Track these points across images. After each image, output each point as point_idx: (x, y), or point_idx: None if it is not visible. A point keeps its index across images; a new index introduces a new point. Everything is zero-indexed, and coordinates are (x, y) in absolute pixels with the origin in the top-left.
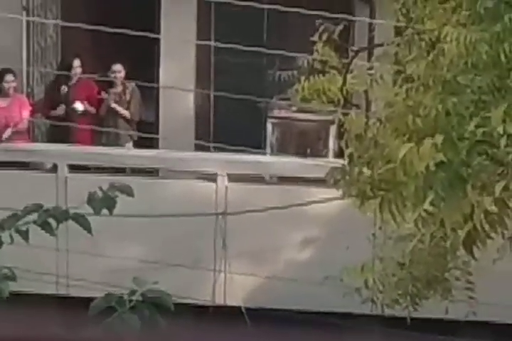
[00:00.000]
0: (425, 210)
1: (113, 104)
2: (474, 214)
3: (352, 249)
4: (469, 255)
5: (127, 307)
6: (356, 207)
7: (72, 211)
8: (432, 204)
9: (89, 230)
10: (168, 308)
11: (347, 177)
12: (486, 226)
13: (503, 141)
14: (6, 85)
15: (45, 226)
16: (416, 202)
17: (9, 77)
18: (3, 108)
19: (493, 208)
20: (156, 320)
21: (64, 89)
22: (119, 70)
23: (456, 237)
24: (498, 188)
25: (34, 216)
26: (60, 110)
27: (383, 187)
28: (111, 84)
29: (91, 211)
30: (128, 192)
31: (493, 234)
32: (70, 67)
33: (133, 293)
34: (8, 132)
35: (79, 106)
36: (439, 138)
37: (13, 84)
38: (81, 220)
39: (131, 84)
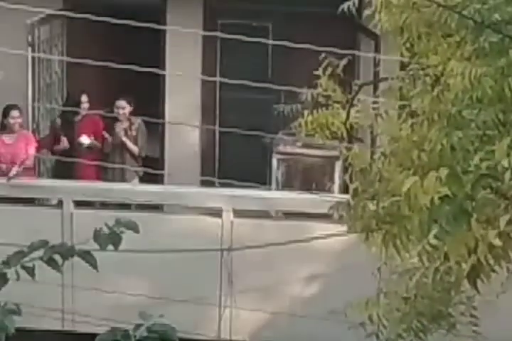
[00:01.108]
0: (429, 244)
1: (123, 138)
2: (478, 247)
3: (357, 284)
4: (473, 288)
5: None
6: (361, 241)
7: (77, 247)
8: (436, 237)
9: (95, 267)
10: None
11: (351, 212)
12: (491, 260)
13: (507, 175)
14: (11, 121)
15: (50, 262)
16: (420, 236)
17: (15, 113)
18: (9, 144)
19: (498, 242)
20: None
21: (64, 142)
22: (122, 106)
23: (460, 271)
24: (503, 222)
25: (40, 252)
26: (64, 143)
27: (388, 221)
28: (117, 120)
29: (96, 246)
30: (133, 228)
31: (497, 268)
32: (76, 103)
33: (138, 327)
34: (13, 171)
35: (85, 139)
36: (443, 172)
37: (19, 120)
38: (87, 257)
39: (138, 120)
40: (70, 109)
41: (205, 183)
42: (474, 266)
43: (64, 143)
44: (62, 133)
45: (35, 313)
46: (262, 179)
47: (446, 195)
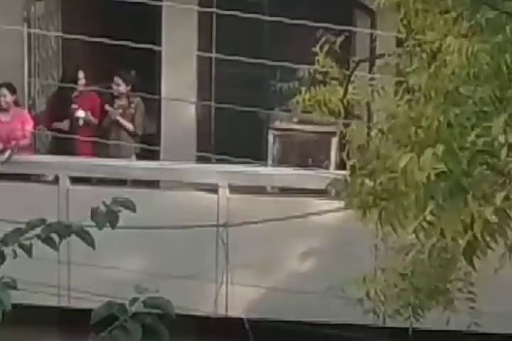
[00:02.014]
0: (426, 220)
1: (118, 117)
2: (475, 223)
3: (354, 260)
4: (469, 265)
5: (129, 316)
6: (358, 218)
7: (75, 226)
8: (432, 213)
9: (92, 245)
10: (170, 316)
11: (349, 189)
12: (487, 236)
13: (503, 151)
14: (2, 99)
15: (48, 241)
16: (417, 212)
17: (3, 91)
18: (5, 123)
19: (494, 218)
20: (158, 329)
21: (65, 125)
22: (117, 83)
23: (457, 247)
24: (499, 198)
25: (37, 230)
26: (65, 124)
27: (384, 197)
28: (116, 97)
29: (93, 223)
30: (130, 207)
31: (493, 244)
32: (73, 79)
33: (134, 300)
34: (6, 154)
35: (81, 114)
36: (439, 148)
37: (7, 99)
38: (84, 235)
39: (137, 99)
40: (66, 85)
41: (201, 159)
42: (470, 242)
43: (64, 124)
44: (63, 111)
45: (32, 289)
46: (258, 155)
47: (443, 172)
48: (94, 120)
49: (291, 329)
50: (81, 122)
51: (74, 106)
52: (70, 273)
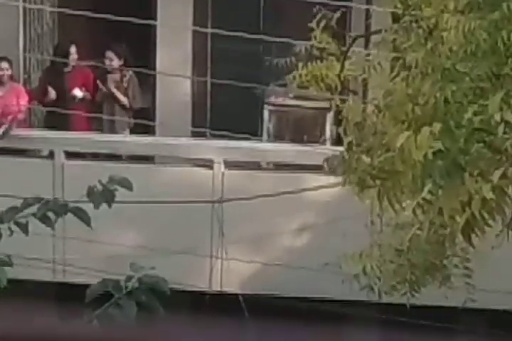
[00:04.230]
0: (423, 198)
1: (113, 89)
2: (472, 201)
3: (350, 236)
4: (468, 243)
5: (124, 293)
6: (355, 194)
7: (71, 204)
8: (429, 192)
9: (88, 223)
10: (165, 293)
11: (346, 165)
12: (484, 214)
13: (500, 129)
14: (1, 73)
15: (44, 219)
16: (414, 191)
17: (4, 64)
18: (0, 97)
19: (491, 195)
20: (153, 306)
21: (51, 94)
22: (110, 57)
23: (455, 225)
24: (496, 176)
25: (33, 208)
26: (51, 94)
27: (382, 176)
28: (109, 71)
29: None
30: (127, 185)
31: (491, 222)
32: (65, 54)
33: (129, 278)
34: (2, 129)
35: (78, 93)
36: (436, 127)
37: (8, 72)
38: (80, 214)
39: (129, 73)
40: (59, 59)
41: (196, 135)
42: (468, 220)
43: (51, 94)
44: (50, 85)
45: (26, 264)
46: (253, 130)
47: (440, 150)
48: (88, 95)
49: (286, 304)
50: (77, 100)
51: (68, 81)
52: (65, 247)
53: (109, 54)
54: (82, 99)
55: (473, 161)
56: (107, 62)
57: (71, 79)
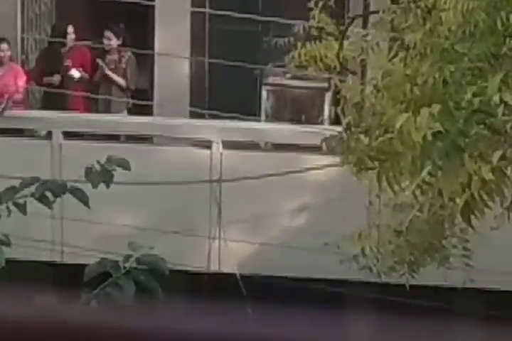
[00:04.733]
0: (423, 180)
1: (108, 72)
2: (472, 183)
3: (348, 216)
4: (467, 224)
5: (122, 273)
6: (353, 174)
7: (69, 184)
8: (429, 173)
9: (86, 204)
10: (163, 273)
11: (344, 145)
12: (484, 195)
13: (500, 110)
14: (1, 54)
15: (42, 199)
16: (413, 172)
17: (4, 46)
18: None
19: (491, 176)
20: (151, 286)
21: (56, 80)
22: (108, 37)
23: (454, 206)
24: (496, 157)
25: (31, 188)
26: (56, 79)
27: (381, 158)
28: (107, 51)
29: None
30: (125, 165)
31: (490, 203)
32: (63, 34)
33: (128, 258)
34: (3, 105)
35: (75, 73)
36: (436, 108)
37: (8, 53)
38: (78, 194)
39: (128, 53)
40: (56, 39)
41: (194, 115)
42: (468, 201)
43: (56, 78)
44: (54, 66)
45: (24, 244)
46: (251, 110)
47: (439, 131)
48: (86, 75)
49: (284, 285)
50: (74, 80)
51: (66, 62)
52: (63, 228)
53: (108, 33)
54: (80, 80)
55: (472, 142)
56: (105, 41)
57: (69, 59)
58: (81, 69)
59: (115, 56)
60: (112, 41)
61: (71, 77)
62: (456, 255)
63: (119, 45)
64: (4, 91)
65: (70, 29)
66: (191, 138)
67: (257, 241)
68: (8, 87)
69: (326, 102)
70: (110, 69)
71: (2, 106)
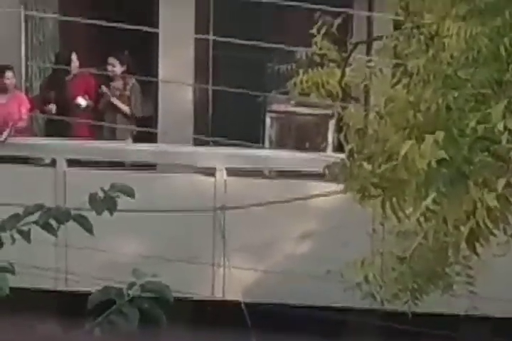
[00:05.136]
0: (427, 207)
1: (113, 99)
2: (477, 210)
3: (351, 243)
4: (472, 252)
5: (126, 300)
6: (356, 201)
7: (73, 211)
8: (433, 201)
9: (90, 231)
10: (168, 301)
11: (347, 172)
12: (489, 223)
13: (504, 137)
14: (7, 82)
15: (46, 227)
16: (417, 199)
17: (9, 74)
18: (1, 105)
19: (496, 204)
20: (155, 313)
21: (51, 108)
22: (112, 64)
23: (459, 234)
24: (500, 184)
25: (35, 216)
26: (51, 108)
27: (384, 185)
28: (111, 78)
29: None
30: (129, 192)
31: (495, 231)
32: (67, 62)
33: (132, 285)
34: (4, 135)
35: (82, 101)
36: (440, 135)
37: (13, 81)
38: (82, 221)
39: (132, 80)
40: (60, 67)
41: (198, 142)
42: (473, 229)
43: (51, 108)
44: (52, 93)
45: (28, 272)
46: (255, 137)
47: (443, 158)
48: (91, 102)
49: (288, 312)
50: (81, 108)
51: (70, 90)
52: (67, 255)
53: (112, 60)
54: (86, 108)
55: (477, 170)
56: (110, 68)
57: (73, 87)
58: (87, 97)
59: (119, 83)
60: (117, 68)
61: (78, 106)
62: (459, 282)
63: (123, 72)
64: (8, 118)
65: (74, 57)
66: (195, 166)
67: (261, 269)
68: (12, 115)
69: (330, 129)
70: (114, 97)
71: (6, 133)
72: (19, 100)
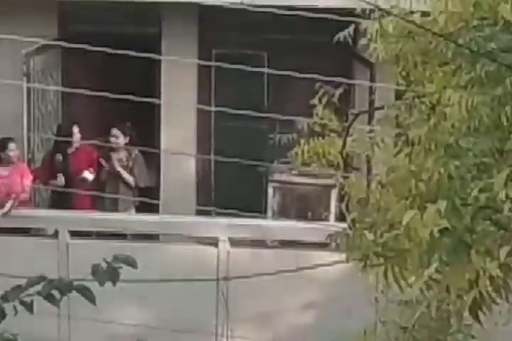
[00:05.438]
0: (430, 276)
1: (119, 168)
2: (479, 279)
3: (354, 313)
4: (475, 321)
5: None
6: (359, 270)
7: (76, 282)
8: (436, 270)
9: (93, 302)
10: None
11: (349, 242)
12: (492, 292)
13: (506, 206)
14: (11, 154)
15: (49, 298)
16: (420, 268)
17: (12, 146)
18: (4, 177)
19: (498, 273)
20: None
21: (59, 158)
22: (116, 135)
23: (462, 303)
24: (503, 253)
25: (38, 287)
26: (60, 181)
27: (387, 254)
28: (114, 150)
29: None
30: (132, 263)
31: (498, 299)
32: (68, 134)
33: None
34: (6, 207)
35: (89, 176)
36: (442, 204)
37: (16, 152)
38: (85, 292)
39: (135, 151)
40: (62, 139)
41: (200, 212)
42: (476, 298)
43: (60, 180)
44: (60, 167)
45: None
46: (257, 208)
47: (446, 228)
48: (95, 175)
49: None
50: (87, 183)
51: (73, 163)
52: (70, 326)
53: (115, 131)
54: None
55: (479, 239)
56: (113, 139)
57: (76, 160)
58: (92, 169)
59: (123, 154)
60: (120, 139)
61: (84, 180)
62: None
63: (126, 144)
64: (10, 191)
65: (75, 129)
66: (198, 236)
67: (264, 339)
68: (15, 187)
69: (332, 199)
70: (119, 166)
71: (8, 205)
72: (22, 172)
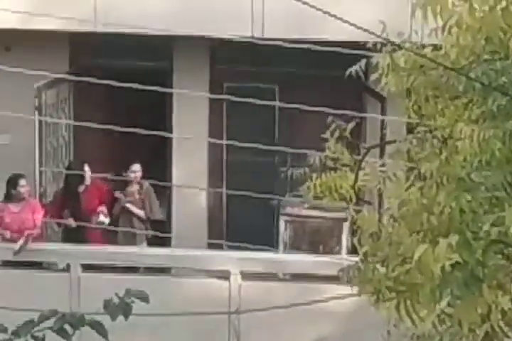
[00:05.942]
0: (442, 310)
1: (128, 204)
2: (491, 313)
3: None
4: None
5: None
6: (371, 304)
7: (88, 317)
8: (448, 304)
9: (105, 337)
10: None
11: (361, 275)
12: (503, 326)
13: None
14: (22, 190)
15: (61, 332)
16: (432, 302)
17: (23, 182)
18: (15, 213)
19: (510, 307)
20: None
21: (70, 223)
22: (138, 170)
23: (474, 337)
24: None
25: (50, 322)
26: (72, 223)
27: (399, 288)
28: (125, 184)
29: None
30: (144, 298)
31: (510, 333)
32: (78, 173)
33: None
34: (18, 244)
35: (104, 219)
36: (454, 239)
37: (27, 189)
38: (97, 327)
39: (146, 184)
40: (73, 175)
41: (212, 246)
42: (488, 332)
43: (70, 222)
44: (71, 205)
45: None
46: (269, 241)
47: (457, 262)
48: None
49: None
50: (102, 225)
51: (84, 200)
52: None
53: (136, 166)
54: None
55: (491, 273)
56: (132, 174)
57: (87, 197)
58: (105, 210)
59: (134, 187)
60: (138, 173)
61: (100, 223)
62: None
63: (138, 177)
64: (22, 227)
65: (86, 168)
66: (210, 270)
67: None
68: (26, 223)
69: (344, 232)
70: (129, 202)
71: (21, 242)
72: (33, 208)
